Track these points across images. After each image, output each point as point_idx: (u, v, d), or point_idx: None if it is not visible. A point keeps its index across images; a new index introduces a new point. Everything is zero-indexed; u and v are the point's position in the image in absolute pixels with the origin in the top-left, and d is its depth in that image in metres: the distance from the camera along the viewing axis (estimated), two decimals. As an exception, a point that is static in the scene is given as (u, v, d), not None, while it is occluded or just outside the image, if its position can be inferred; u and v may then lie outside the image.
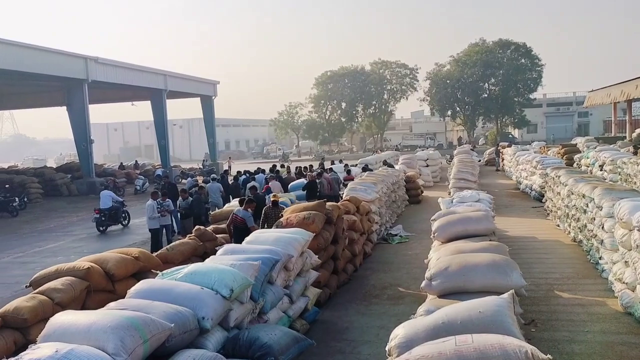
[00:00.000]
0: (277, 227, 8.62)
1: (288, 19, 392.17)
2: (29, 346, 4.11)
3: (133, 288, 5.41)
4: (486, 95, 59.07)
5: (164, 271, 6.09)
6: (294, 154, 65.10)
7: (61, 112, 32.65)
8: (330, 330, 7.41)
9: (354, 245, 10.47)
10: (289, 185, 16.74)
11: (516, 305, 4.60)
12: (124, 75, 32.10)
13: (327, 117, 67.66)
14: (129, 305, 4.80)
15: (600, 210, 8.89)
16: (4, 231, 18.96)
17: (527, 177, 20.71)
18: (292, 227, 8.25)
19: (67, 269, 6.42)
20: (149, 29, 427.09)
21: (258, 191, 14.42)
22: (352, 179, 16.81)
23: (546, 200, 15.56)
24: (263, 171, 20.15)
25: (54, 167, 38.06)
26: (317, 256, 8.02)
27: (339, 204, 10.71)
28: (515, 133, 63.73)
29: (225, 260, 6.16)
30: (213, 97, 42.30)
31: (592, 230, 9.56)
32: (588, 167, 19.03)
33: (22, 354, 3.90)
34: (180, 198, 14.41)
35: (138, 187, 28.51)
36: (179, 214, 14.21)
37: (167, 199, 13.51)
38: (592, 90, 33.94)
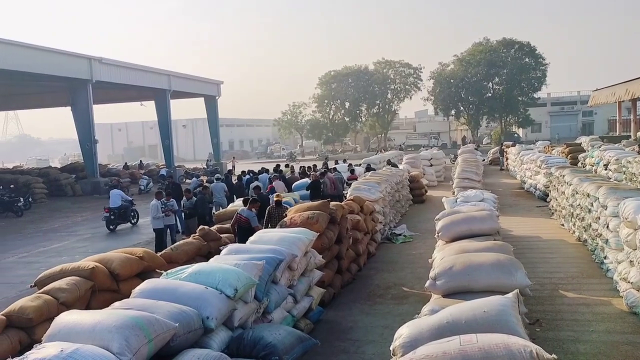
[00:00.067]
0: (281, 227, 8.63)
1: (291, 19, 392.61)
2: (34, 346, 4.12)
3: (137, 288, 5.42)
4: (490, 95, 58.86)
5: (168, 271, 6.10)
6: (298, 154, 65.14)
7: (66, 112, 32.79)
8: (335, 330, 7.41)
9: (358, 245, 10.46)
10: (293, 185, 16.75)
11: (521, 304, 4.58)
12: (128, 75, 32.19)
13: (330, 117, 67.60)
14: (133, 305, 4.81)
15: (605, 209, 8.86)
16: (9, 231, 19.03)
17: (531, 176, 20.66)
18: (296, 227, 8.25)
19: (71, 269, 6.44)
20: (152, 30, 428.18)
21: (262, 191, 14.44)
22: (356, 179, 16.81)
23: (550, 200, 15.52)
24: (267, 171, 20.15)
25: (58, 167, 38.20)
26: (321, 256, 8.02)
27: (342, 203, 10.71)
28: (520, 132, 63.58)
29: (229, 260, 6.17)
30: (217, 97, 42.34)
31: (596, 230, 9.53)
32: (592, 166, 18.97)
33: (27, 353, 3.92)
34: (184, 198, 14.44)
35: (142, 187, 28.58)
36: (183, 214, 14.24)
37: (171, 199, 13.54)
38: (597, 89, 33.87)
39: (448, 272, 5.67)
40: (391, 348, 4.06)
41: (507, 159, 30.70)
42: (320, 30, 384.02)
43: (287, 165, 25.15)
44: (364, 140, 75.19)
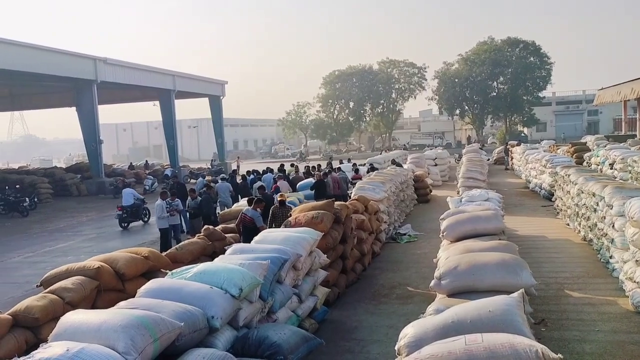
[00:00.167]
0: (285, 227, 8.63)
1: (296, 19, 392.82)
2: (40, 345, 4.15)
3: (143, 287, 5.44)
4: (495, 94, 58.73)
5: (174, 270, 6.11)
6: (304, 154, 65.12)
7: (71, 112, 32.92)
8: (339, 330, 7.41)
9: (362, 245, 10.46)
10: (297, 185, 16.76)
11: (526, 304, 4.58)
12: (133, 75, 32.30)
13: (335, 117, 67.54)
14: (139, 305, 4.83)
15: (611, 208, 8.83)
16: (15, 231, 19.13)
17: (536, 175, 20.60)
18: (300, 227, 8.25)
19: (77, 269, 6.46)
20: (156, 30, 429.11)
21: (266, 191, 14.45)
22: (360, 178, 16.81)
23: (556, 199, 15.48)
24: (271, 171, 20.17)
25: (64, 167, 38.34)
26: (325, 255, 8.02)
27: (347, 203, 10.71)
28: (525, 131, 63.38)
29: (234, 260, 6.18)
30: (221, 97, 42.43)
31: (602, 229, 9.50)
32: (598, 165, 18.86)
33: (33, 352, 3.93)
34: (189, 198, 14.47)
35: (147, 187, 28.64)
36: (187, 214, 14.28)
37: (176, 199, 13.58)
38: (602, 88, 33.70)
39: (453, 272, 5.66)
40: (396, 348, 4.06)
41: (512, 158, 30.62)
42: (325, 30, 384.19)
43: (291, 165, 25.15)
44: (369, 140, 75.07)
